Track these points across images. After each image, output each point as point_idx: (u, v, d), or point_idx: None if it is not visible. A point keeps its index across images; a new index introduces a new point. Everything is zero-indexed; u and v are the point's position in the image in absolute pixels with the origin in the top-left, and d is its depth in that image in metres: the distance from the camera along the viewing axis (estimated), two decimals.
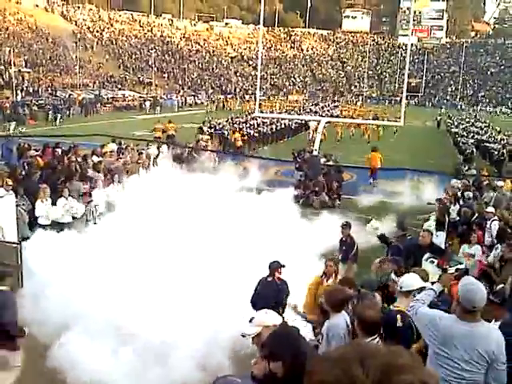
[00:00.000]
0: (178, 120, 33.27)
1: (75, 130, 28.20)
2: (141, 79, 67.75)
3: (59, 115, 37.61)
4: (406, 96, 24.50)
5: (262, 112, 34.14)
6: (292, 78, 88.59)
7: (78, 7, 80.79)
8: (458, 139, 32.89)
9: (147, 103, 52.36)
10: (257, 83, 22.50)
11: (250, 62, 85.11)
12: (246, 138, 27.04)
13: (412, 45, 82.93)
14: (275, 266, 6.83)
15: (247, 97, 66.12)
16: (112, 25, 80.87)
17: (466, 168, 19.73)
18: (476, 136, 33.18)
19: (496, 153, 25.88)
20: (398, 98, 65.01)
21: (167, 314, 6.31)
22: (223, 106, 60.21)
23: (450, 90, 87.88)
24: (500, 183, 14.19)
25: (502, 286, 6.27)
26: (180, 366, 5.89)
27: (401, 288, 5.23)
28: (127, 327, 6.34)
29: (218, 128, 28.58)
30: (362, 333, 4.22)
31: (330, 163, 18.61)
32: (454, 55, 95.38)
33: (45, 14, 71.70)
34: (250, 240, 8.27)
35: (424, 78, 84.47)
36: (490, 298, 4.72)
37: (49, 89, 51.40)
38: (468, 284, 3.82)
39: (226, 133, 26.94)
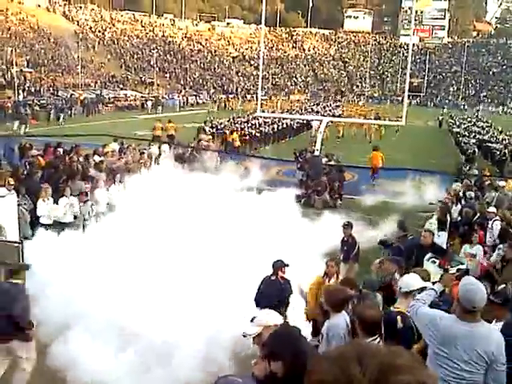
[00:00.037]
0: (179, 120, 33.28)
1: (77, 130, 28.23)
2: (142, 79, 67.76)
3: (62, 115, 37.74)
4: (408, 96, 24.49)
5: (263, 112, 34.13)
6: (294, 78, 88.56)
7: (80, 7, 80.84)
8: (460, 139, 32.86)
9: (149, 103, 52.41)
10: (258, 83, 22.49)
11: (252, 62, 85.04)
12: (247, 137, 27.04)
13: (414, 44, 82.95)
14: (279, 265, 6.87)
15: (249, 96, 66.14)
16: (114, 25, 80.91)
17: (468, 168, 19.70)
18: (478, 136, 33.15)
19: (498, 153, 25.86)
20: (400, 98, 65.05)
21: (169, 314, 6.32)
22: (225, 105, 60.26)
23: (451, 89, 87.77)
24: (502, 183, 14.16)
25: (503, 286, 6.26)
26: (181, 366, 5.89)
27: (400, 289, 5.22)
28: (129, 327, 6.35)
29: (219, 128, 28.59)
30: (363, 333, 4.21)
31: (332, 163, 18.60)
32: (455, 55, 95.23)
33: (47, 14, 71.75)
34: (252, 240, 8.26)
35: (426, 77, 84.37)
36: (490, 298, 4.72)
37: (51, 88, 51.41)
38: (468, 284, 3.82)
39: (227, 132, 26.97)
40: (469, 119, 46.90)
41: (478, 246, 9.00)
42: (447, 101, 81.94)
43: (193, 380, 5.75)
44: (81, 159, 14.21)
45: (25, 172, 12.36)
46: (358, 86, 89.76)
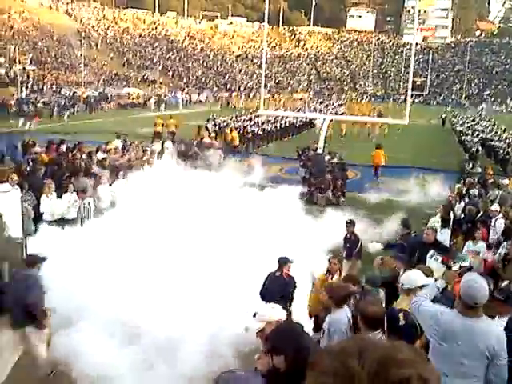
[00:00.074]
0: (182, 118, 33.31)
1: (80, 127, 28.26)
2: (145, 77, 67.81)
3: (67, 112, 37.83)
4: (411, 94, 24.45)
5: (266, 110, 34.12)
6: (296, 77, 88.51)
7: (83, 5, 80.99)
8: (463, 137, 32.79)
9: (152, 101, 52.44)
10: (261, 81, 22.46)
11: (255, 61, 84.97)
12: (250, 135, 27.03)
13: (417, 44, 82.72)
14: (284, 262, 6.90)
15: (251, 95, 66.18)
16: (116, 23, 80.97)
17: (471, 166, 19.68)
18: (481, 134, 33.06)
19: (501, 151, 25.82)
20: (403, 97, 64.94)
21: (172, 310, 6.32)
22: (228, 103, 60.33)
23: (454, 88, 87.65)
24: (505, 181, 14.17)
25: (507, 282, 6.25)
26: (185, 362, 5.90)
27: (402, 285, 5.22)
28: (132, 322, 6.35)
29: (222, 126, 28.62)
30: (365, 327, 4.22)
31: (335, 161, 18.60)
32: (458, 54, 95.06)
33: (49, 13, 71.89)
34: (256, 237, 8.29)
35: (429, 76, 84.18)
36: (493, 294, 4.72)
37: (53, 86, 51.54)
38: (470, 280, 3.82)
39: (227, 131, 26.98)
40: (472, 118, 46.75)
41: (481, 242, 9.00)
42: (450, 99, 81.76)
43: (196, 375, 5.75)
44: (84, 156, 14.23)
45: (28, 168, 12.37)
46: (360, 85, 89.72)
